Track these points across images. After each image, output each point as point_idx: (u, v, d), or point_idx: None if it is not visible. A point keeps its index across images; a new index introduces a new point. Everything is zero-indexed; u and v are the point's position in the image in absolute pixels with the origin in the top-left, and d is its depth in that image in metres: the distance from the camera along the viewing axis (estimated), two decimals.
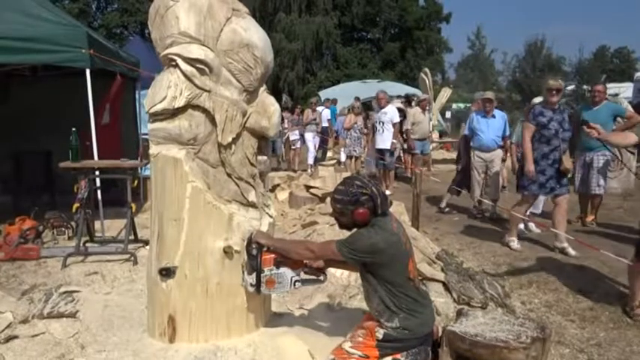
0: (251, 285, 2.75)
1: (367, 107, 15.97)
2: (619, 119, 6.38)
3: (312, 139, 11.68)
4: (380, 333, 2.68)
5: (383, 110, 9.10)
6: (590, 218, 6.70)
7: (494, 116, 7.06)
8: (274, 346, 2.85)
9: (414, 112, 9.82)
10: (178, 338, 2.81)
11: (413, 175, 9.13)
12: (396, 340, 2.68)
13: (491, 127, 7.03)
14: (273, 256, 2.75)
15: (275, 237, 3.09)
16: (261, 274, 2.71)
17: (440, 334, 2.91)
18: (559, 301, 4.13)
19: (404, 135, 9.84)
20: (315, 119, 11.70)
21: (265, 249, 2.76)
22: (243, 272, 2.83)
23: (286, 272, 2.76)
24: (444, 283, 4.15)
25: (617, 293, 4.32)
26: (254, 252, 2.75)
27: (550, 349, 3.00)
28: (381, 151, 9.02)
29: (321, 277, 2.92)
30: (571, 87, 19.96)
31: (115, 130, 6.48)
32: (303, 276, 2.84)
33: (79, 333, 3.16)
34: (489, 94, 7.52)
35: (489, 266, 5.03)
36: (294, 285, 2.80)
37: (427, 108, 10.18)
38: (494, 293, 4.03)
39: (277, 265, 2.75)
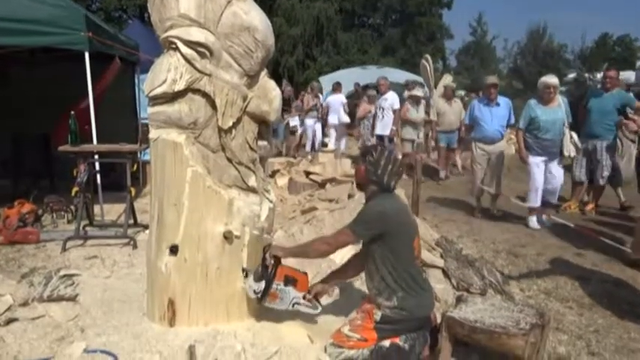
0: (255, 292, 2.77)
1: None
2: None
3: (312, 125, 11.58)
4: (378, 315, 2.73)
5: (383, 97, 9.10)
6: (589, 207, 6.70)
7: (498, 104, 6.44)
8: (274, 331, 2.86)
9: (438, 101, 9.34)
10: (178, 322, 2.81)
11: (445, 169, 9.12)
12: (394, 321, 2.71)
13: (495, 116, 6.38)
14: (284, 272, 2.80)
15: (288, 245, 3.17)
16: (270, 286, 2.75)
17: (439, 320, 2.93)
18: (558, 288, 4.15)
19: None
20: (315, 105, 11.59)
21: (280, 262, 2.80)
22: (246, 276, 2.84)
23: (290, 292, 2.81)
24: (443, 270, 4.16)
25: (616, 280, 4.33)
26: (268, 262, 2.78)
27: (548, 336, 3.01)
28: (381, 138, 9.02)
29: (318, 307, 2.97)
30: (572, 75, 19.85)
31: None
32: (302, 301, 2.88)
33: (78, 316, 3.17)
34: (493, 79, 6.76)
35: (489, 253, 5.03)
36: (293, 306, 2.85)
37: (453, 98, 9.42)
38: (494, 280, 4.04)
39: (286, 282, 2.79)
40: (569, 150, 5.78)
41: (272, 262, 2.80)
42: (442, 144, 9.34)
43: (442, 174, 9.28)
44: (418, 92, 9.23)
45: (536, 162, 5.89)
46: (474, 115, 6.56)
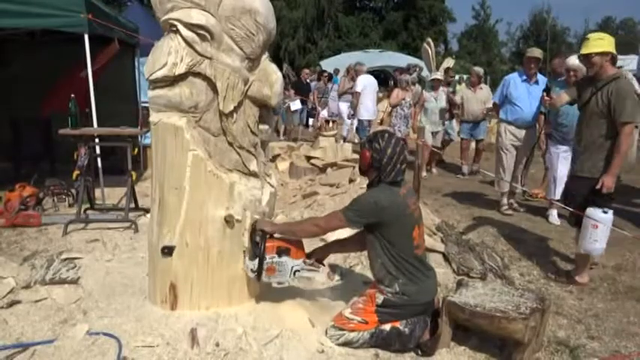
0: (252, 271, 2.78)
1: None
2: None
3: (347, 110, 10.83)
4: (379, 299, 2.75)
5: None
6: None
7: (537, 82, 5.60)
8: (275, 314, 2.88)
9: (461, 89, 8.60)
10: (180, 305, 2.83)
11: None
12: (395, 305, 2.73)
13: (533, 96, 5.52)
14: (275, 244, 2.78)
15: (278, 222, 3.15)
16: (263, 261, 2.74)
17: (440, 304, 2.95)
18: (558, 273, 4.15)
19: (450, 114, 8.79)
20: (351, 88, 11.21)
21: (269, 236, 2.78)
22: (244, 257, 2.84)
23: (287, 261, 2.80)
24: (443, 254, 4.18)
25: (615, 265, 4.34)
26: (257, 239, 2.77)
27: (548, 320, 3.03)
28: (360, 122, 9.46)
29: (320, 269, 2.96)
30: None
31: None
32: (304, 266, 2.87)
33: (81, 299, 3.19)
34: (536, 52, 5.76)
35: (489, 238, 5.04)
36: (294, 274, 2.83)
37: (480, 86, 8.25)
38: (494, 264, 4.05)
39: (279, 253, 2.78)
40: None
41: (260, 236, 2.78)
42: (464, 136, 8.45)
43: (465, 169, 8.50)
44: (438, 75, 8.45)
45: (558, 152, 5.37)
46: (507, 92, 5.69)
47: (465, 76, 13.86)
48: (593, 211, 3.64)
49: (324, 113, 11.82)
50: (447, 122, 9.04)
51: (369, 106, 9.27)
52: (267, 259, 2.75)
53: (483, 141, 8.52)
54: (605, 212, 3.64)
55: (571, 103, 4.18)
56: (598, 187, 3.64)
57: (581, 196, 3.78)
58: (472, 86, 8.28)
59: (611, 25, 40.86)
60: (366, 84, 9.25)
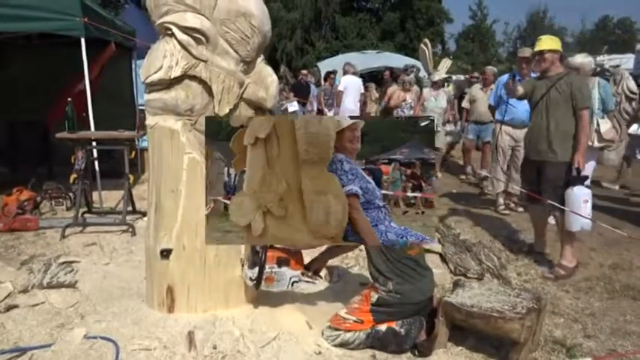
0: (251, 279, 2.78)
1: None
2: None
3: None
4: (374, 297, 2.76)
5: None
6: None
7: None
8: (272, 317, 2.88)
9: (473, 87, 8.19)
10: (177, 308, 2.83)
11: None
12: (390, 304, 2.74)
13: None
14: (276, 254, 2.79)
15: None
16: (263, 271, 2.74)
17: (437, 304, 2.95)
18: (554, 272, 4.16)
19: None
20: None
21: (269, 246, 2.78)
22: (243, 265, 2.85)
23: (286, 272, 2.80)
24: (440, 255, 4.19)
25: (612, 264, 4.35)
26: (258, 248, 2.77)
27: (545, 319, 3.04)
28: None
29: (317, 281, 2.98)
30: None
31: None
32: (302, 277, 2.87)
33: (78, 303, 3.20)
34: (526, 51, 5.77)
35: (486, 238, 5.04)
36: (292, 285, 2.84)
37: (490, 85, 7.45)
38: (491, 264, 4.06)
39: (279, 263, 2.79)
40: (592, 138, 5.03)
41: (261, 245, 2.79)
42: (470, 136, 8.02)
43: (468, 169, 8.35)
44: (436, 78, 8.38)
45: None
46: (502, 93, 5.62)
47: (453, 77, 13.79)
48: (580, 189, 3.90)
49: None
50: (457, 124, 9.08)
51: (350, 106, 9.38)
52: (267, 269, 2.76)
53: (490, 143, 7.73)
54: (588, 187, 3.98)
55: (521, 98, 4.46)
56: (575, 166, 3.96)
57: (562, 179, 4.04)
58: (485, 86, 7.67)
59: (609, 24, 40.92)
60: (348, 84, 9.39)
